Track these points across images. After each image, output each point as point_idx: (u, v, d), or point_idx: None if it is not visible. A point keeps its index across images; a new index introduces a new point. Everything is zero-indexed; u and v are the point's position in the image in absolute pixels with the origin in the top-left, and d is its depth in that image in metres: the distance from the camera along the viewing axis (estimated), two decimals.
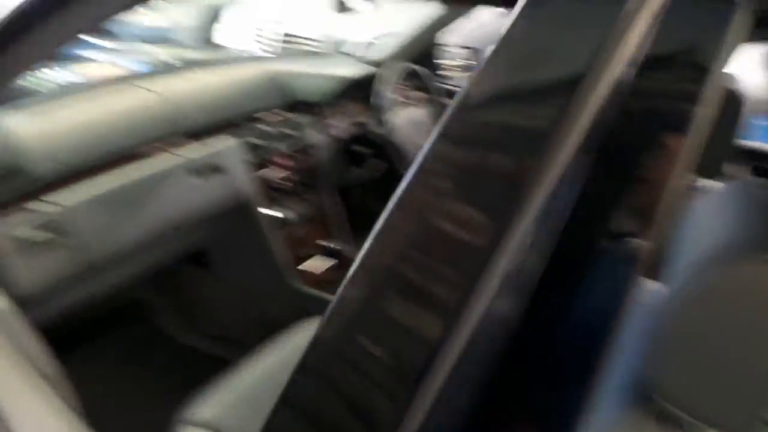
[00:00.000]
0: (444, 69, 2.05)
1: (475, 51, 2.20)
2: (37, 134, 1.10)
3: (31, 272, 1.03)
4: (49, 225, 1.05)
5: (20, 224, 1.02)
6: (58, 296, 1.15)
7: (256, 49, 4.22)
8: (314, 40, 4.08)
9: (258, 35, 4.31)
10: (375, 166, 1.93)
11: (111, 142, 1.19)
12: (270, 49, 4.19)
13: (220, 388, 1.07)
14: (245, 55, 1.93)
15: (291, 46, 4.13)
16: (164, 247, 1.34)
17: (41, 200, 1.06)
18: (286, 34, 4.18)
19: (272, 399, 1.11)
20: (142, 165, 1.22)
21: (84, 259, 1.10)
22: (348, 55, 1.97)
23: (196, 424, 1.00)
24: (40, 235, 1.03)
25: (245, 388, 1.08)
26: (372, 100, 1.68)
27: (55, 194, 1.08)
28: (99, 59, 1.66)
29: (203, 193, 1.32)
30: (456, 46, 2.12)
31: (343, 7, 1.55)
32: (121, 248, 1.17)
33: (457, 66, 2.12)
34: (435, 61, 1.98)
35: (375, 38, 3.98)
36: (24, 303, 1.08)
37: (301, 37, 4.11)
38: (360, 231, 1.78)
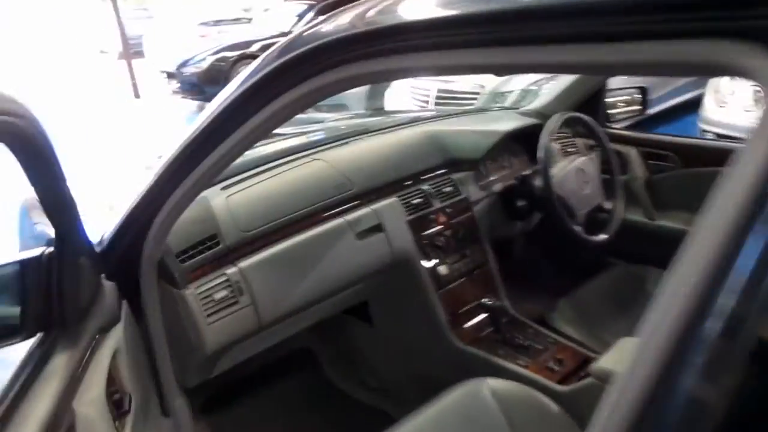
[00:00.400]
0: (611, 113, 1.92)
1: (642, 91, 2.03)
2: (225, 207, 1.25)
3: (216, 332, 1.14)
4: (232, 287, 1.16)
5: (210, 286, 1.15)
6: (236, 351, 1.26)
7: (413, 108, 4.42)
8: (468, 93, 4.16)
9: (414, 94, 4.52)
10: (532, 219, 1.85)
11: (286, 210, 1.30)
12: (425, 106, 4.36)
13: None
14: (407, 116, 2.01)
15: (445, 102, 4.25)
16: (330, 302, 1.41)
17: (229, 264, 1.19)
18: (440, 90, 4.33)
19: None
20: (313, 229, 1.31)
21: (260, 318, 1.20)
22: (506, 108, 1.95)
23: None
24: (225, 296, 1.15)
25: None
26: (536, 151, 1.62)
27: (239, 260, 1.20)
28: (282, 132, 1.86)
29: (367, 251, 1.37)
30: (622, 88, 1.98)
31: None
32: (293, 306, 1.26)
33: (625, 108, 1.97)
34: (600, 105, 1.86)
35: (531, 85, 3.94)
36: (208, 359, 1.20)
37: (455, 92, 4.23)
38: (514, 284, 1.70)
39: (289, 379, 1.82)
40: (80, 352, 0.83)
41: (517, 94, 3.97)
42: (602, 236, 1.61)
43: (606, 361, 1.17)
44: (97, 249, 1.11)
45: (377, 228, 1.40)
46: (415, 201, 1.49)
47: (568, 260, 2.16)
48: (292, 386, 1.80)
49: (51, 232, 1.38)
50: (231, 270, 1.18)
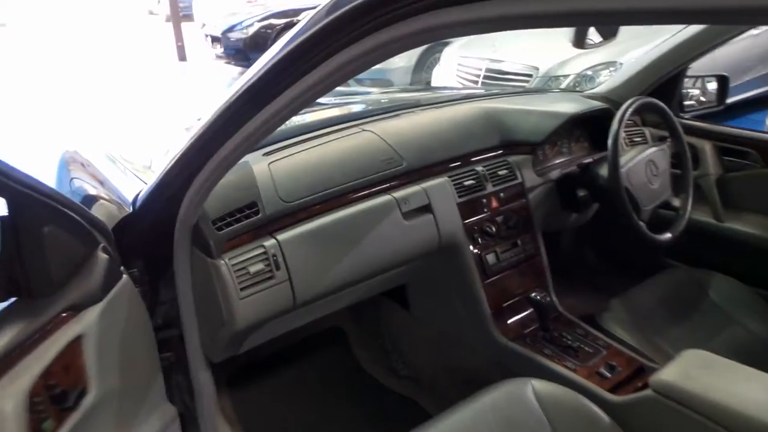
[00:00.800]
0: (686, 102, 1.76)
1: (722, 80, 1.85)
2: (267, 174, 1.17)
3: (248, 307, 1.07)
4: (269, 260, 1.09)
5: (246, 258, 1.08)
6: (266, 328, 1.19)
7: (458, 86, 4.26)
8: (521, 75, 3.97)
9: (462, 72, 4.36)
10: (589, 211, 1.72)
11: (331, 182, 1.21)
12: (474, 86, 4.19)
13: None
14: (461, 93, 1.89)
15: (495, 82, 4.07)
16: (369, 284, 1.33)
17: (267, 236, 1.12)
18: (489, 70, 4.15)
19: None
20: (358, 204, 1.22)
21: (296, 296, 1.12)
22: (570, 90, 1.81)
23: None
24: (261, 270, 1.08)
25: None
26: (600, 138, 1.49)
27: (278, 231, 1.13)
28: (326, 101, 1.76)
29: (412, 232, 1.28)
30: (699, 75, 1.81)
31: (582, 43, 1.40)
32: (331, 285, 1.18)
33: (701, 97, 1.80)
34: (677, 92, 1.70)
35: (588, 70, 3.73)
36: (237, 335, 1.13)
37: (506, 72, 4.05)
38: (562, 280, 1.58)
39: (317, 358, 1.76)
40: (29, 331, 0.73)
41: (573, 78, 3.76)
42: (667, 235, 1.47)
43: (668, 374, 1.06)
44: (128, 210, 1.04)
45: (426, 208, 1.30)
46: (467, 182, 1.39)
47: (621, 258, 2.02)
48: (318, 366, 1.74)
49: (89, 188, 1.35)
50: (269, 242, 1.10)
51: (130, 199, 1.07)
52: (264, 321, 1.12)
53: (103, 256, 0.87)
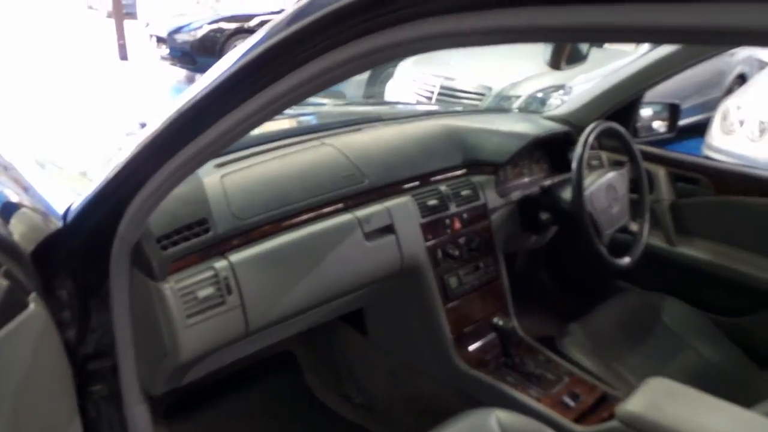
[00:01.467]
0: (641, 127, 1.79)
1: (673, 109, 1.90)
2: (218, 188, 1.07)
3: (195, 336, 0.97)
4: (220, 284, 0.99)
5: (194, 281, 0.97)
6: (214, 357, 1.09)
7: (413, 102, 4.25)
8: (473, 93, 4.00)
9: (416, 88, 4.35)
10: (548, 233, 1.71)
11: (289, 198, 1.13)
12: (428, 102, 4.19)
13: None
14: (422, 108, 1.84)
15: (448, 100, 4.09)
16: (326, 308, 1.24)
17: (218, 256, 1.02)
18: (444, 87, 4.16)
19: None
20: (317, 223, 1.14)
21: (248, 323, 1.03)
22: (529, 112, 1.80)
23: None
24: (211, 294, 0.97)
25: None
26: (561, 160, 1.48)
27: (230, 252, 1.03)
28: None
29: (374, 254, 1.21)
30: (651, 102, 1.85)
31: (558, 64, 1.38)
32: (286, 310, 1.09)
33: (655, 124, 1.84)
34: (633, 117, 1.73)
35: (539, 92, 3.81)
36: (181, 367, 1.02)
37: (458, 90, 4.07)
38: (519, 303, 1.55)
39: (265, 385, 1.65)
40: None
41: (524, 99, 3.83)
42: (626, 260, 1.47)
43: (634, 404, 1.04)
44: (58, 223, 0.92)
45: (388, 229, 1.24)
46: (430, 202, 1.33)
47: (574, 280, 2.03)
48: (267, 393, 1.63)
49: (10, 195, 1.19)
50: (220, 263, 1.00)
51: (61, 210, 0.94)
52: (212, 351, 1.01)
53: (1, 282, 0.74)
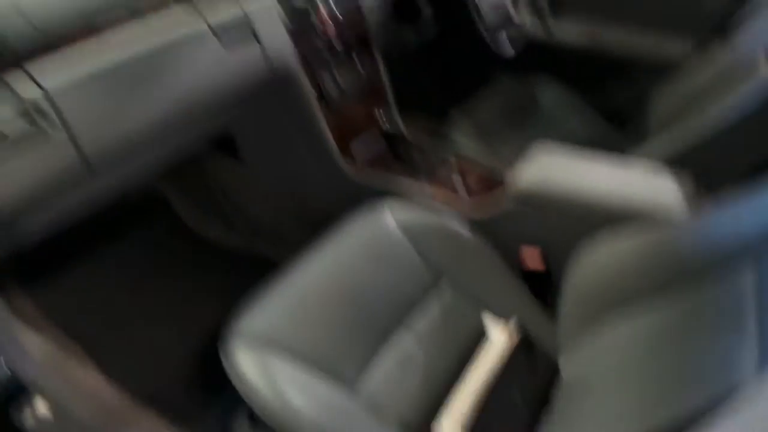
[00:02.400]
0: None
1: None
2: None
3: (11, 179, 0.77)
4: (29, 112, 0.76)
5: None
6: (57, 207, 0.90)
7: None
8: None
9: None
10: (427, 26, 1.59)
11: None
12: None
13: (268, 293, 0.87)
14: None
15: None
16: (182, 133, 1.06)
17: (18, 79, 0.77)
18: None
19: (326, 303, 0.86)
20: (152, 29, 0.91)
21: (84, 155, 0.83)
22: None
23: (244, 336, 0.81)
24: (21, 126, 0.75)
25: (296, 291, 0.89)
26: None
27: (36, 72, 0.79)
28: None
29: (231, 64, 1.02)
30: None
31: None
32: (127, 137, 0.90)
33: None
34: None
35: None
36: (8, 221, 0.83)
37: None
38: (404, 101, 1.48)
39: (142, 233, 1.49)
40: None
41: None
42: (507, 43, 1.41)
43: (524, 176, 1.04)
44: None
45: (250, 35, 1.03)
46: (297, 2, 1.13)
47: (457, 77, 1.98)
48: (145, 241, 1.48)
49: None
50: (27, 87, 0.76)
51: None
52: (43, 197, 0.82)
53: None
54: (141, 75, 0.89)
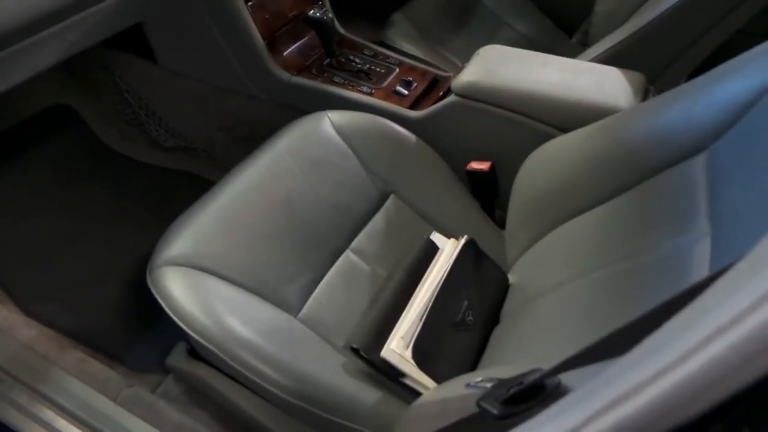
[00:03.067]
0: None
1: None
2: None
3: None
4: None
5: None
6: None
7: None
8: None
9: None
10: None
11: None
12: None
13: (198, 213, 0.79)
14: None
15: None
16: (82, 22, 0.90)
17: None
18: None
19: (264, 222, 0.81)
20: None
21: None
22: None
23: (173, 261, 0.73)
24: None
25: (229, 211, 0.80)
26: None
27: None
28: None
29: None
30: None
31: None
32: (20, 18, 0.73)
33: None
34: None
35: None
36: None
37: None
38: (340, 4, 1.34)
39: (46, 149, 1.32)
40: None
41: None
42: None
43: (469, 74, 0.97)
44: None
45: None
46: None
47: None
48: (52, 158, 1.31)
49: None
50: None
51: None
52: None
53: None
54: None
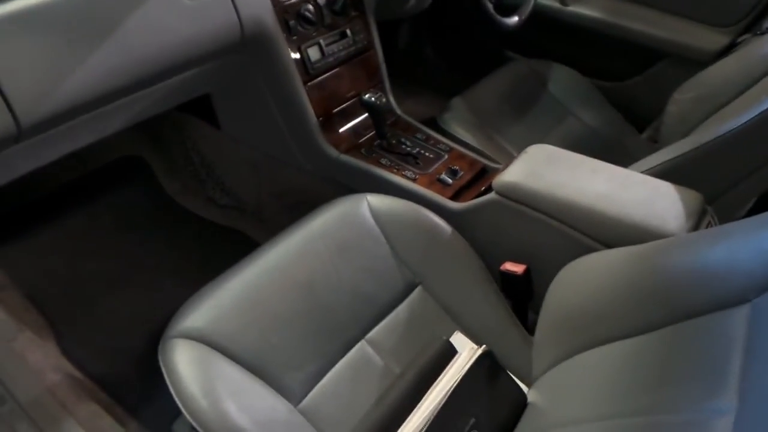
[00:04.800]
0: None
1: None
2: None
3: None
4: None
5: None
6: None
7: None
8: None
9: None
10: None
11: None
12: None
13: (220, 286, 0.80)
14: None
15: None
16: (151, 94, 0.97)
17: None
18: None
19: (283, 303, 0.81)
20: None
21: (16, 114, 0.74)
22: None
23: (186, 333, 0.74)
24: None
25: (251, 288, 0.81)
26: None
27: None
28: None
29: (200, 18, 0.92)
30: None
31: None
32: (80, 96, 0.80)
33: None
34: None
35: None
36: None
37: None
38: (399, 81, 1.37)
39: (114, 196, 1.42)
40: None
41: None
42: (514, 19, 1.28)
43: (512, 174, 0.95)
44: None
45: None
46: None
47: (460, 54, 1.85)
48: (118, 205, 1.41)
49: None
50: None
51: None
52: None
53: None
54: (91, 19, 0.78)
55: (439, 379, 0.77)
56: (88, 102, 0.82)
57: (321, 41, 1.14)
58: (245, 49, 1.03)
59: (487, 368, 0.78)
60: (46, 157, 0.92)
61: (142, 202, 1.43)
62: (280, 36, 1.06)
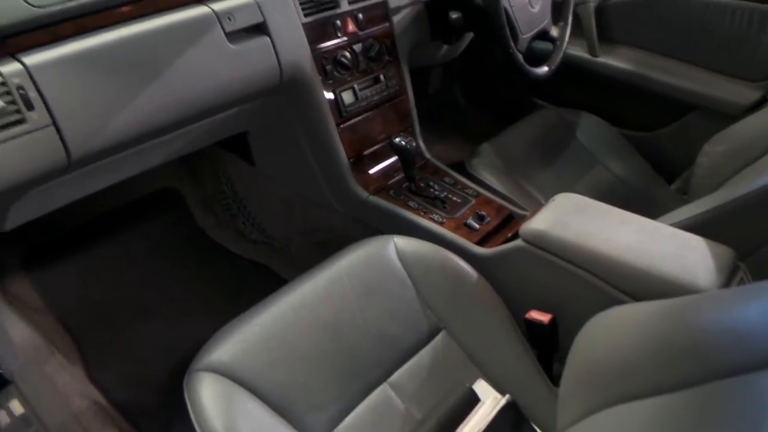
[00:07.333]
0: None
1: None
2: None
3: None
4: (12, 95, 0.72)
5: None
6: (41, 197, 0.86)
7: None
8: None
9: None
10: (460, 43, 1.50)
11: None
12: None
13: (246, 322, 0.81)
14: None
15: None
16: (189, 132, 1.02)
17: (6, 57, 0.74)
18: None
19: (308, 342, 0.82)
20: (157, 16, 0.86)
21: (69, 147, 0.78)
22: None
23: (211, 368, 0.75)
24: (2, 109, 0.71)
25: (277, 326, 0.82)
26: None
27: (25, 52, 0.75)
28: None
29: (242, 61, 0.96)
30: None
31: None
32: (126, 132, 0.85)
33: None
34: None
35: None
36: None
37: None
38: (428, 126, 1.40)
39: (148, 226, 1.46)
40: None
41: None
42: (544, 69, 1.31)
43: (539, 221, 0.95)
44: None
45: (259, 28, 0.98)
46: None
47: (490, 100, 1.88)
48: (151, 235, 1.45)
49: None
50: (9, 67, 0.73)
51: None
52: (23, 185, 0.78)
53: None
54: (139, 62, 0.84)
55: (460, 427, 0.76)
56: (134, 138, 0.86)
57: (355, 85, 1.18)
58: (283, 91, 1.07)
59: (510, 419, 0.77)
60: (89, 188, 0.97)
61: (175, 233, 1.47)
62: (316, 80, 1.10)
